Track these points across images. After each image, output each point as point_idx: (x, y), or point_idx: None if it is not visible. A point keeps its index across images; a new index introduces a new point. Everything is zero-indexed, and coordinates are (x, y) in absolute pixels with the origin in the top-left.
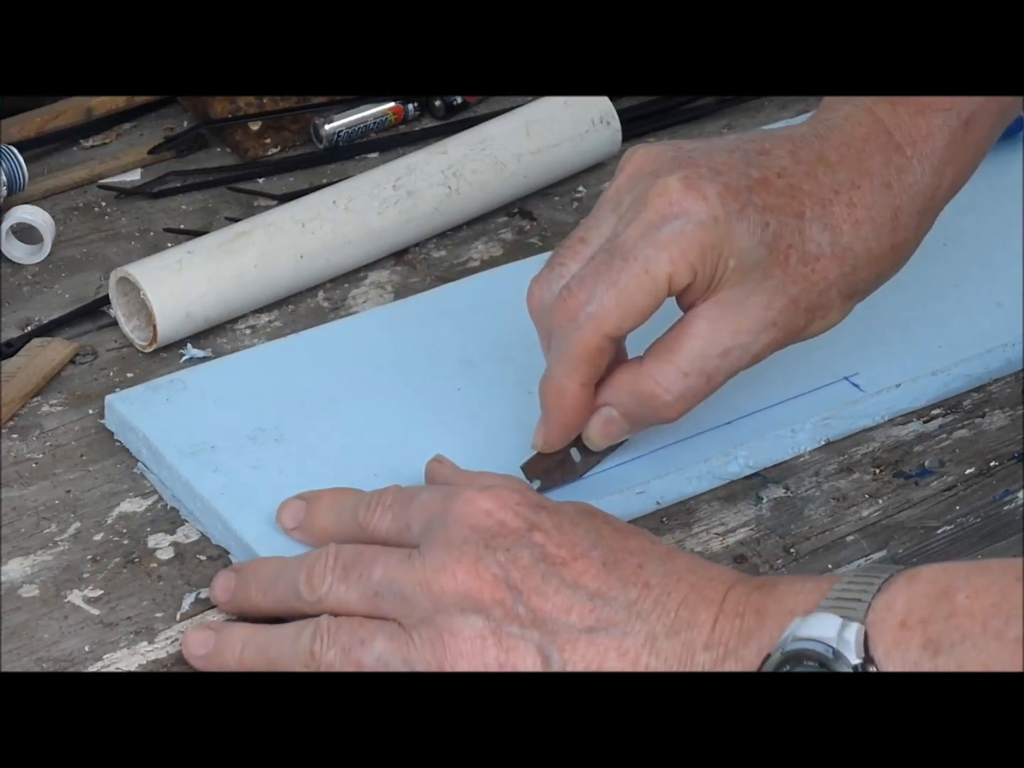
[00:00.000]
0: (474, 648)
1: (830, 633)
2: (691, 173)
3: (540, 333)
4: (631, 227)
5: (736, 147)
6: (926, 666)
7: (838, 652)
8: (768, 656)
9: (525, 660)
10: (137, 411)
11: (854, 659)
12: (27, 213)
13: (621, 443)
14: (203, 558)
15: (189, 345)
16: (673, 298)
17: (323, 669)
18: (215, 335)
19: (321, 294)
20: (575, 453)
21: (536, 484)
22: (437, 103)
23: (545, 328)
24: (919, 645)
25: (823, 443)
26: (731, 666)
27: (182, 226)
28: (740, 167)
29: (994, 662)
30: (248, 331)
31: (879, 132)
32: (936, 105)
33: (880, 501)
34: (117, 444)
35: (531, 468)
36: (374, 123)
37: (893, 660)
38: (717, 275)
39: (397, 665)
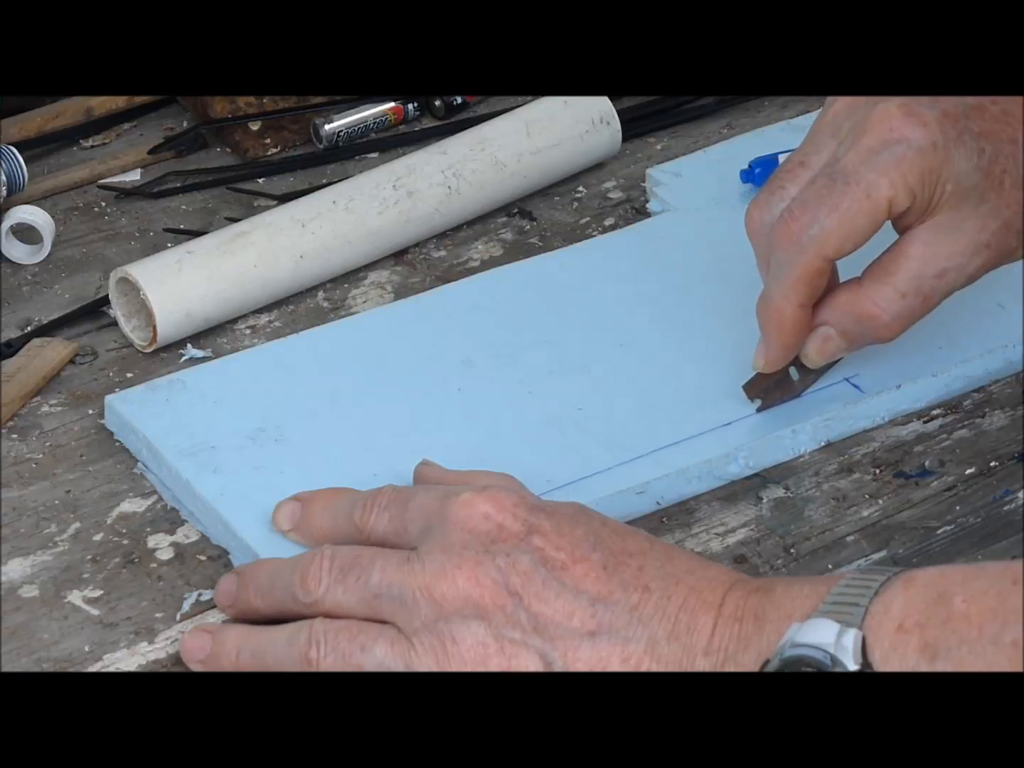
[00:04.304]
0: (477, 655)
1: (828, 639)
2: (910, 100)
3: (758, 255)
4: (851, 152)
5: None
6: (923, 670)
7: (836, 659)
8: (767, 662)
9: (527, 666)
10: (137, 411)
11: (852, 665)
12: (27, 213)
13: (837, 361)
14: (203, 558)
15: (189, 345)
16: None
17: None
18: (215, 335)
19: (321, 294)
20: (793, 372)
21: (757, 403)
22: (437, 103)
23: (763, 250)
24: (916, 650)
25: (823, 444)
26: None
27: (182, 226)
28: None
29: (991, 667)
30: (248, 331)
31: None
32: None
33: (880, 501)
34: (117, 444)
35: (752, 388)
36: (374, 123)
37: (890, 664)
38: (935, 199)
39: (398, 671)
